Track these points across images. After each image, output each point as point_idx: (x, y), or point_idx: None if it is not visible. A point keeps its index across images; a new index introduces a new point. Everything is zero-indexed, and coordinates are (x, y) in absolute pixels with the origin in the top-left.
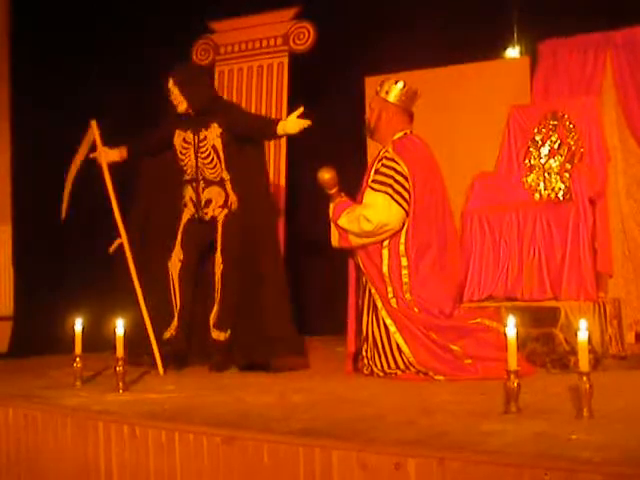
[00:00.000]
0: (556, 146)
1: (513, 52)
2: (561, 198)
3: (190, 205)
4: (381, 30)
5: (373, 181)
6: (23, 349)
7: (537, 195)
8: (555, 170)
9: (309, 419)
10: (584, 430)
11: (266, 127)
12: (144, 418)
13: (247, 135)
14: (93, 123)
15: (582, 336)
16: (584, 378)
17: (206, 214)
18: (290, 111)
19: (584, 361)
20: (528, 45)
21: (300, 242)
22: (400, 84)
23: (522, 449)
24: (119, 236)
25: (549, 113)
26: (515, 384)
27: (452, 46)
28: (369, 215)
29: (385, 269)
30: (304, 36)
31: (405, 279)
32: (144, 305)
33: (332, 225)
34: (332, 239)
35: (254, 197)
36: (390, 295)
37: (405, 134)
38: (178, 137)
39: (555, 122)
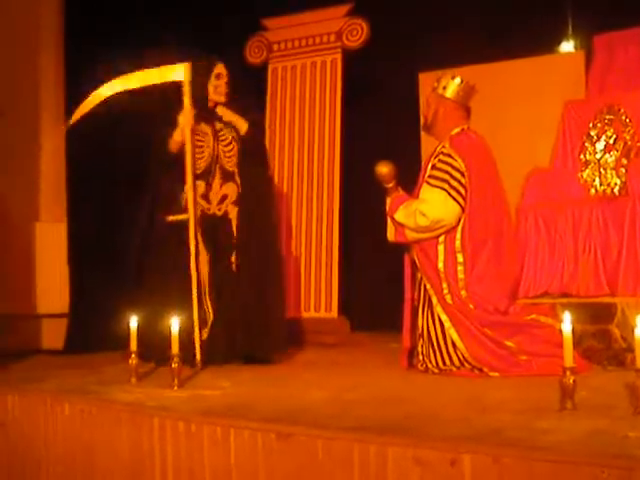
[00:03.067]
0: (612, 141)
1: (568, 46)
2: (617, 193)
3: (202, 202)
4: (434, 26)
5: (430, 176)
6: (79, 346)
7: (592, 190)
8: (611, 165)
9: (364, 415)
10: None
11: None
12: (199, 414)
13: None
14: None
15: (639, 333)
16: None
17: (219, 210)
18: (344, 108)
19: None
20: (583, 39)
21: (354, 237)
22: (457, 79)
23: (578, 446)
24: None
25: (605, 107)
26: (571, 381)
27: (506, 41)
28: (425, 210)
29: (440, 265)
30: (357, 32)
31: (460, 275)
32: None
33: (388, 219)
34: (388, 233)
35: (256, 193)
36: (445, 291)
37: (462, 130)
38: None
39: (611, 116)
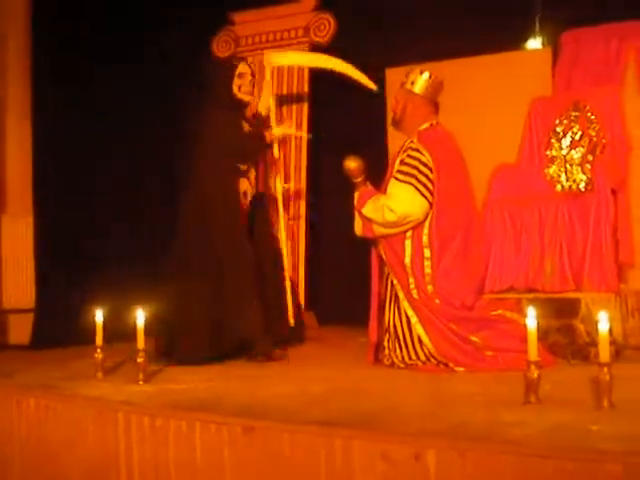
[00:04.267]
0: (577, 137)
1: (535, 43)
2: (583, 189)
3: (244, 199)
4: (401, 21)
5: (398, 171)
6: (44, 341)
7: (559, 186)
8: (577, 161)
9: (330, 409)
10: (604, 421)
11: None
12: (165, 409)
13: None
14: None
15: (603, 327)
16: (604, 369)
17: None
18: (311, 103)
19: (604, 352)
20: (550, 36)
21: (321, 231)
22: (426, 75)
23: (543, 440)
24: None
25: (570, 104)
26: (535, 375)
27: (473, 37)
28: (393, 206)
29: (407, 260)
30: (325, 27)
31: (427, 270)
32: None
33: (356, 214)
34: (356, 228)
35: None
36: (412, 286)
37: (431, 125)
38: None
39: (576, 113)
